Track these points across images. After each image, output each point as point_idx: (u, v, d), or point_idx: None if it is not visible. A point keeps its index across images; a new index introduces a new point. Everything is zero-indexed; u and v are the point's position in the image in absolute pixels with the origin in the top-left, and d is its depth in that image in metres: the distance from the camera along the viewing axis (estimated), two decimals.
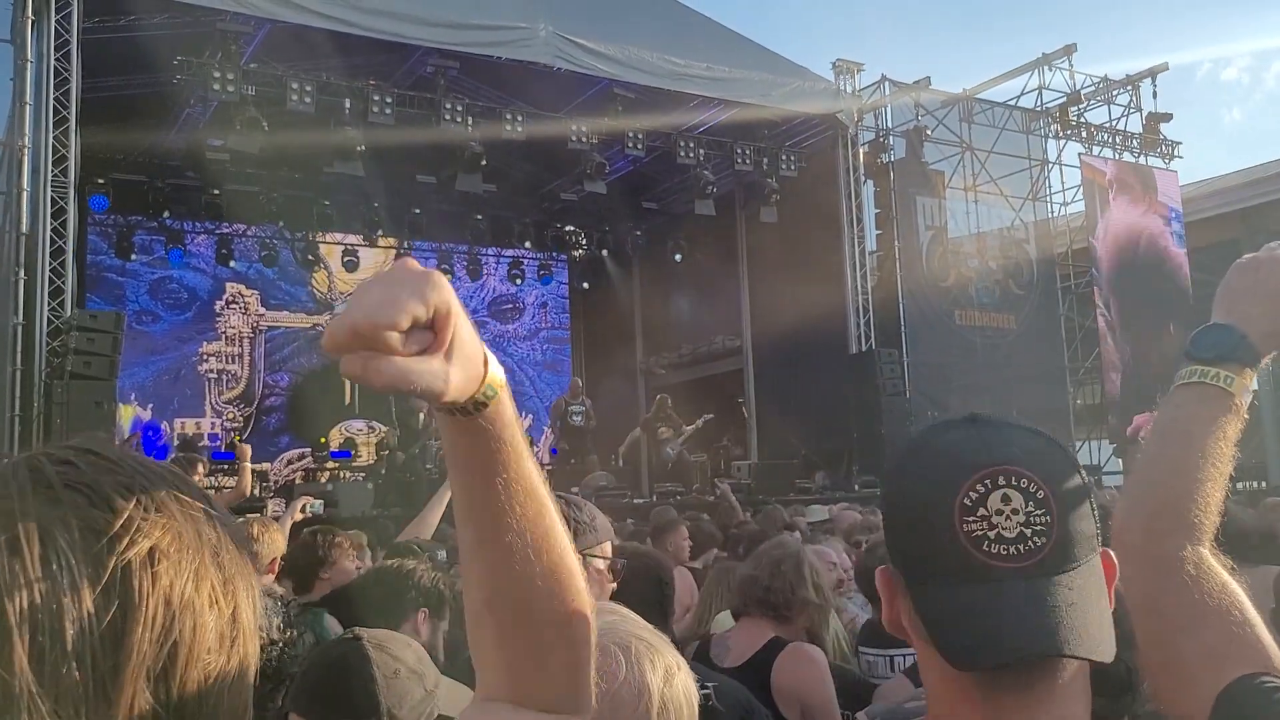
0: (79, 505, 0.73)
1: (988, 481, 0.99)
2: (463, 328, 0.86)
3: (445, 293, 0.84)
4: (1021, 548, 0.97)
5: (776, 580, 3.47)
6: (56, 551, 0.70)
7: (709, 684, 2.25)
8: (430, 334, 0.84)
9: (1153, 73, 18.90)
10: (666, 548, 5.90)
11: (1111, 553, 1.06)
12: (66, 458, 0.76)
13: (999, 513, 0.98)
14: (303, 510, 7.28)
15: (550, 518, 0.96)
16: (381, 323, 0.80)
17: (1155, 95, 19.03)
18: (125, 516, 0.73)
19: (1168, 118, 19.18)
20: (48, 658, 0.68)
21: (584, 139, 14.51)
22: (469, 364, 0.87)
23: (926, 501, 1.01)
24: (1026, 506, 0.98)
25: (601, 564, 2.39)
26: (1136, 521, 1.26)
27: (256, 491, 14.28)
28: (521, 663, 0.98)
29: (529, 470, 0.94)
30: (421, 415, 13.95)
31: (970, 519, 0.98)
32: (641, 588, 2.94)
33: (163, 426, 17.73)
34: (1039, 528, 0.97)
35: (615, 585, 2.47)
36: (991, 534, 0.97)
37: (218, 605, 0.76)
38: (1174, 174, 19.74)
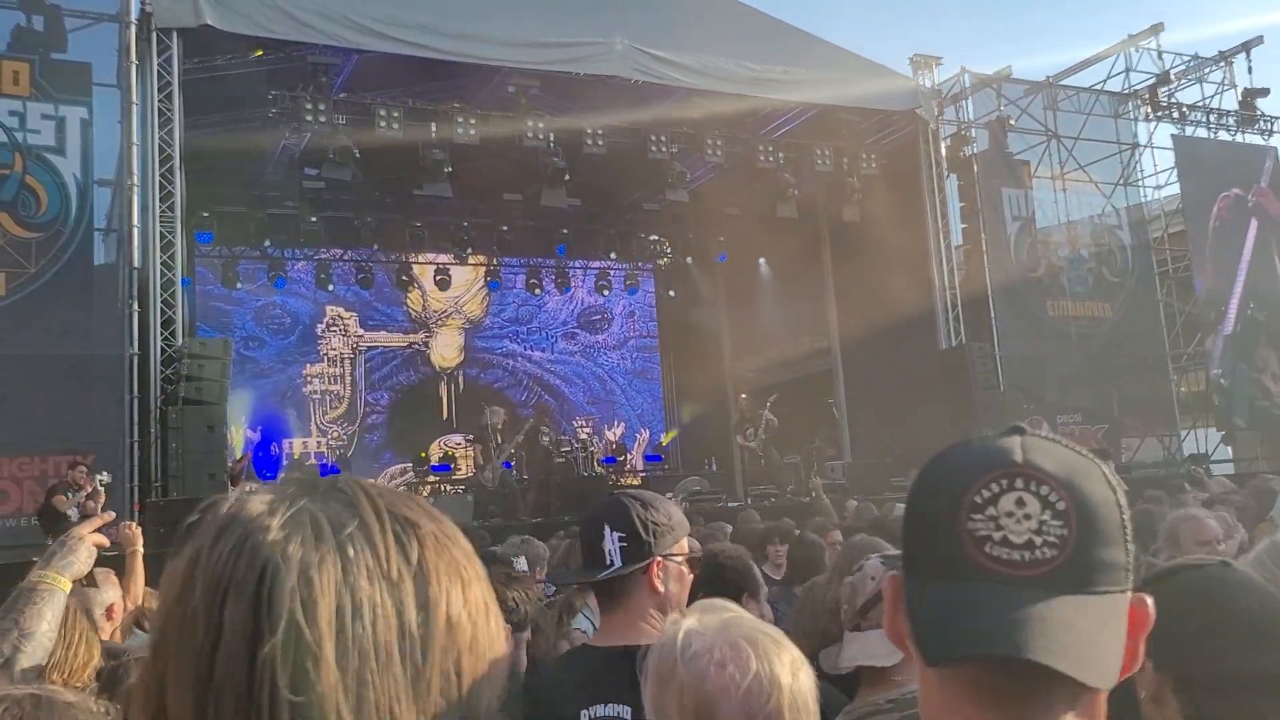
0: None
1: (1004, 481, 0.90)
2: None
3: None
4: (1027, 555, 0.88)
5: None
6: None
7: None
8: None
9: (1246, 46, 18.22)
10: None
11: (1149, 602, 0.93)
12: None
13: (1009, 515, 0.89)
14: None
15: None
16: None
17: (1250, 70, 18.40)
18: (421, 532, 0.82)
19: (1264, 92, 18.49)
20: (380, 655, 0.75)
21: (664, 149, 14.67)
22: None
23: (936, 496, 0.94)
24: (1042, 514, 0.89)
25: (680, 560, 2.47)
26: None
27: None
28: None
29: None
30: (500, 431, 14.24)
31: (977, 516, 0.90)
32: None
33: (271, 447, 18.39)
34: (1051, 539, 0.88)
35: (695, 575, 2.57)
36: (997, 535, 0.89)
37: (479, 607, 0.83)
38: (1273, 149, 19.12)
